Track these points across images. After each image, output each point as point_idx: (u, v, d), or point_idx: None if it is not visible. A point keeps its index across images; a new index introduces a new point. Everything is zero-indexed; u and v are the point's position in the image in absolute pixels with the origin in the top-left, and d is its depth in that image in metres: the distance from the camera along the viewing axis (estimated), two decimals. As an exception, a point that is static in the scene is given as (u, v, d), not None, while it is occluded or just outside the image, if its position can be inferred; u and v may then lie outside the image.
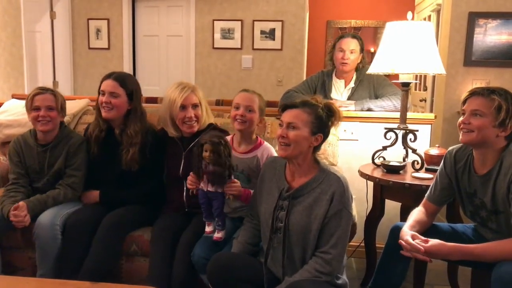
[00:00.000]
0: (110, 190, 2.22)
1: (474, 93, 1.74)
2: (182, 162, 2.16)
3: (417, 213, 1.91)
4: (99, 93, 2.21)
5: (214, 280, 1.71)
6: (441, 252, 1.68)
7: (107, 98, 2.16)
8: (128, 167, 2.16)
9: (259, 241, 1.87)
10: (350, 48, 2.86)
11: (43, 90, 2.19)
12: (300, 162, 1.71)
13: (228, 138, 2.07)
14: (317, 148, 1.73)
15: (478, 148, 1.76)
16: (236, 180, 1.88)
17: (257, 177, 2.02)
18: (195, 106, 2.14)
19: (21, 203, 2.06)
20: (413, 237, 1.74)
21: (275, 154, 2.08)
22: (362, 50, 2.90)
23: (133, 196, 2.20)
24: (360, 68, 2.92)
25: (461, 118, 1.76)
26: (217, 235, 1.89)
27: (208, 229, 1.91)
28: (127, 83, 2.20)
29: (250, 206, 1.91)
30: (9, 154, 2.27)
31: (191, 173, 1.92)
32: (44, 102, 2.15)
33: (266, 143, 2.10)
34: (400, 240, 1.76)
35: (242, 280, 1.71)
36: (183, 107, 2.12)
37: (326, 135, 1.72)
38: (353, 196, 2.22)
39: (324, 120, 1.69)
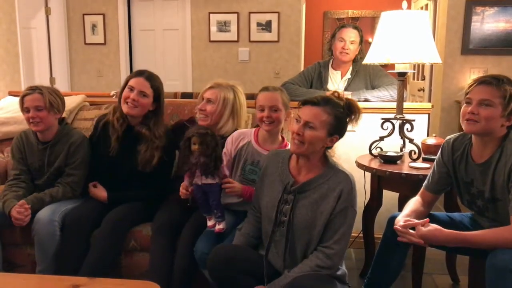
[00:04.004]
0: (117, 190, 2.20)
1: (482, 81, 1.68)
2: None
3: (413, 203, 1.91)
4: (124, 87, 2.18)
5: (215, 273, 1.71)
6: (437, 238, 1.67)
7: (135, 96, 2.13)
8: (143, 168, 2.16)
9: (261, 234, 1.86)
10: (351, 38, 2.85)
11: (31, 90, 2.15)
12: (310, 157, 1.69)
13: (253, 131, 2.06)
14: (330, 147, 1.70)
15: (481, 137, 1.74)
16: (231, 180, 1.87)
17: None
18: (208, 101, 2.14)
19: (22, 201, 2.05)
20: (405, 223, 1.75)
21: None
22: (361, 42, 2.89)
23: (140, 197, 2.21)
24: (358, 60, 2.91)
25: (464, 106, 1.72)
26: (219, 226, 1.89)
27: (209, 223, 1.91)
28: (157, 84, 2.21)
29: (253, 198, 1.91)
30: (12, 151, 2.26)
31: (181, 185, 1.92)
32: (32, 102, 2.12)
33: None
34: (395, 226, 1.77)
35: (242, 272, 1.71)
36: (202, 98, 2.18)
37: (342, 135, 1.69)
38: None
39: (343, 121, 1.66)
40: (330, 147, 1.71)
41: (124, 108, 2.16)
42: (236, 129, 2.16)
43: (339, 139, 1.68)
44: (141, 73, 2.20)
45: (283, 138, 2.07)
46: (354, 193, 1.66)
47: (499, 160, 1.69)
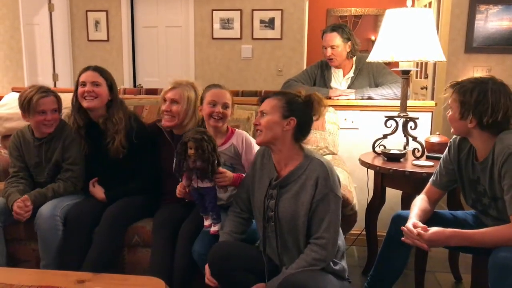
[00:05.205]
0: (111, 187, 2.22)
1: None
2: (175, 160, 2.17)
3: (420, 202, 1.92)
4: (77, 87, 2.22)
5: (214, 270, 1.72)
6: (440, 238, 1.69)
7: (89, 87, 2.18)
8: (115, 155, 2.18)
9: (244, 228, 1.88)
10: (330, 44, 2.84)
11: (46, 93, 2.16)
12: (279, 148, 1.70)
13: None
14: (299, 135, 1.70)
15: (467, 138, 1.81)
16: (224, 170, 1.88)
17: (240, 163, 2.05)
18: (173, 101, 2.15)
19: (25, 196, 2.07)
20: (414, 225, 1.76)
21: (249, 136, 2.11)
22: (348, 39, 2.84)
23: (135, 188, 2.23)
24: (359, 57, 2.90)
25: None
26: (214, 228, 1.90)
27: (206, 222, 1.92)
28: (106, 74, 2.26)
29: (236, 192, 1.93)
30: (10, 149, 2.28)
31: (179, 184, 1.93)
32: (50, 105, 2.15)
33: (237, 130, 2.13)
34: (402, 227, 1.78)
35: (243, 269, 1.72)
36: (164, 99, 2.17)
37: (301, 119, 1.68)
38: (355, 185, 2.23)
39: (295, 103, 1.69)
40: (301, 136, 1.71)
41: (85, 103, 2.20)
42: (199, 124, 2.18)
43: (296, 122, 1.67)
44: (87, 68, 2.26)
45: (227, 127, 2.11)
46: (332, 179, 1.65)
47: (493, 160, 1.71)
